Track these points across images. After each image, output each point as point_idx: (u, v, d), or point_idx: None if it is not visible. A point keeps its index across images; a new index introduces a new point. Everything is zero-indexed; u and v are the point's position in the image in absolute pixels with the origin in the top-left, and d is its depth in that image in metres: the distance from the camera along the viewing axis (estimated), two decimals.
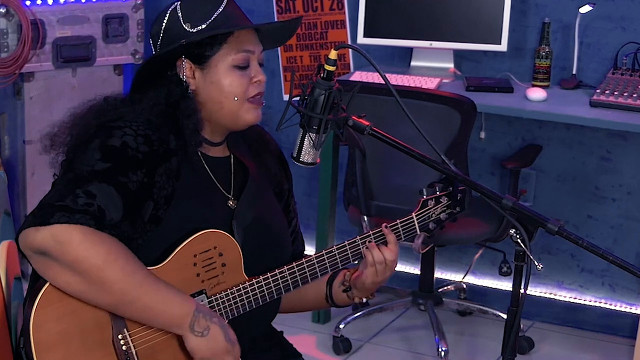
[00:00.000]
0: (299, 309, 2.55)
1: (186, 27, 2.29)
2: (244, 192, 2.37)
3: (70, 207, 2.09)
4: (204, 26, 2.28)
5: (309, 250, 3.50)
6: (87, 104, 2.31)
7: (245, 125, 2.34)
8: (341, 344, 4.18)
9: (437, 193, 2.38)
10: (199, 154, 2.34)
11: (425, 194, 2.37)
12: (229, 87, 2.30)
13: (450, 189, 2.38)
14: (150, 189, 2.21)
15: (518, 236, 2.13)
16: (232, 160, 2.41)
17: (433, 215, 2.38)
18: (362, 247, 2.34)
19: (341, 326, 4.21)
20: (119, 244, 2.14)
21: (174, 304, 2.17)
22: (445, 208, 2.38)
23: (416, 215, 2.37)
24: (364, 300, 2.43)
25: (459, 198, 2.37)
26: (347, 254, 2.35)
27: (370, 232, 2.36)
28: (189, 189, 2.29)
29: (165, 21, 2.32)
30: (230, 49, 2.29)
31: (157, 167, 2.22)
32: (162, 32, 2.32)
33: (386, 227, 2.35)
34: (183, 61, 2.31)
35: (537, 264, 2.12)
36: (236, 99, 2.30)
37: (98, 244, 2.10)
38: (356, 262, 2.38)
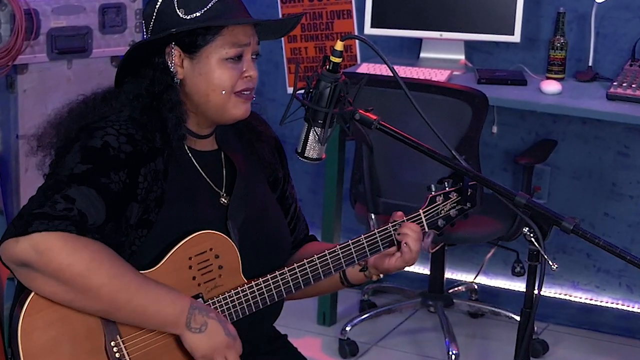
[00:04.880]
0: (313, 294, 2.50)
1: (180, 13, 2.23)
2: (234, 190, 2.32)
3: (49, 213, 2.05)
4: (198, 14, 2.23)
5: None
6: (66, 107, 2.28)
7: (233, 119, 2.30)
8: (347, 347, 4.16)
9: (446, 189, 2.35)
10: (186, 148, 2.29)
11: (433, 190, 2.35)
12: (217, 80, 2.25)
13: (460, 184, 2.35)
14: (133, 190, 2.16)
15: (532, 235, 2.12)
16: (222, 153, 2.37)
17: (442, 211, 2.35)
18: (367, 248, 2.31)
19: (347, 328, 4.19)
20: (103, 247, 2.09)
21: (167, 303, 2.14)
22: (454, 204, 2.36)
23: (424, 212, 2.34)
24: (381, 276, 2.40)
25: (469, 193, 2.35)
26: (352, 254, 2.30)
27: (376, 231, 2.31)
28: (179, 189, 2.25)
29: (159, 3, 2.26)
30: (224, 42, 2.24)
31: (140, 167, 2.18)
32: (154, 14, 2.27)
33: (392, 225, 2.32)
34: (172, 48, 2.25)
35: (551, 263, 2.10)
36: (223, 92, 2.25)
37: (80, 249, 2.06)
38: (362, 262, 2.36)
